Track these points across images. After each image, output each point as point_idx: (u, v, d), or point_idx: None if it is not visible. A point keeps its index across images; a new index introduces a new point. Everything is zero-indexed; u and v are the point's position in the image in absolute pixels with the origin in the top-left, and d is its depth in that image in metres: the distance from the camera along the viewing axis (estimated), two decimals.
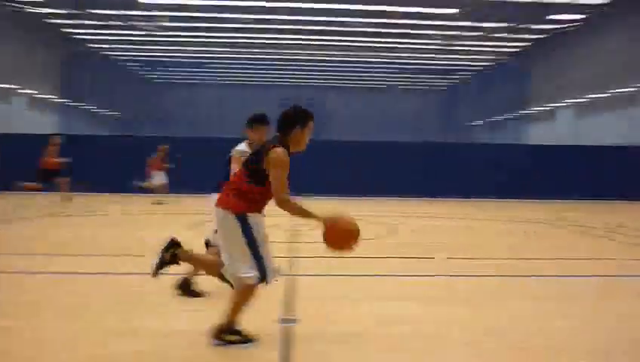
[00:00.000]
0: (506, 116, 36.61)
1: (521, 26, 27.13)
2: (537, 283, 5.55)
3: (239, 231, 3.36)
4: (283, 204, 3.37)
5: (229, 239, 3.42)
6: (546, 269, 6.26)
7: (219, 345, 3.32)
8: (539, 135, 31.88)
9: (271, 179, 3.35)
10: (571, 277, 5.79)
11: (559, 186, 17.36)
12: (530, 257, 7.14)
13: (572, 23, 26.45)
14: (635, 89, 24.09)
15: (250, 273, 3.32)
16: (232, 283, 3.51)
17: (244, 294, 3.37)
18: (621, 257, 7.26)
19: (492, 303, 4.59)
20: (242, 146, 4.54)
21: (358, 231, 3.46)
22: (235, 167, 4.29)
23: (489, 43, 31.20)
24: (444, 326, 3.87)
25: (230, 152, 4.62)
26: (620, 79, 24.28)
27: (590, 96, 26.85)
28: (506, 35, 29.00)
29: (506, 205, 15.66)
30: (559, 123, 33.24)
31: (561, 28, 27.34)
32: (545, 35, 29.13)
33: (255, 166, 3.41)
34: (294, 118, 3.55)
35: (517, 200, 16.82)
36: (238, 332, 3.43)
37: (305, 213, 3.42)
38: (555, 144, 22.36)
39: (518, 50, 32.59)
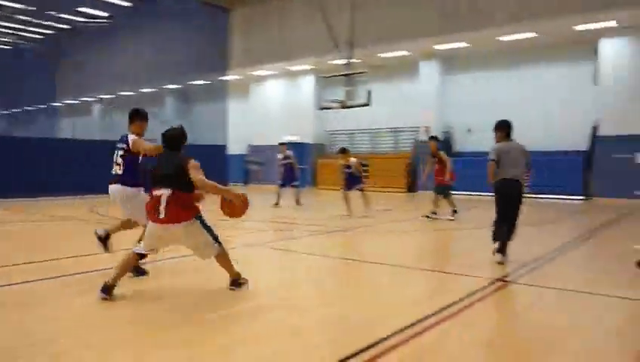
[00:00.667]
0: (34, 107, 33.85)
1: (48, 12, 25.52)
2: None
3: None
4: (204, 185, 4.47)
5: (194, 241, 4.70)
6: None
7: None
8: (71, 128, 30.99)
9: (196, 176, 4.45)
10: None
11: (90, 181, 17.16)
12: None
13: (100, 19, 26.72)
14: (157, 90, 26.58)
15: None
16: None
17: None
18: None
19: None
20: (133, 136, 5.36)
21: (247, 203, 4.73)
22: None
23: (8, 24, 27.98)
24: None
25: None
26: (146, 79, 26.19)
27: (120, 93, 27.92)
28: (30, 19, 26.69)
29: (35, 204, 14.40)
30: (92, 116, 33.29)
31: (89, 22, 27.21)
32: (72, 27, 28.36)
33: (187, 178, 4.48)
34: (183, 137, 4.85)
35: (44, 198, 15.74)
36: None
37: (217, 188, 4.57)
38: (87, 139, 22.17)
39: (43, 37, 30.53)
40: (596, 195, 17.31)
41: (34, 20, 27.06)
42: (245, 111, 27.30)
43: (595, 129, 17.58)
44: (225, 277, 4.89)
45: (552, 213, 13.06)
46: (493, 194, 6.65)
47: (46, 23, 28.04)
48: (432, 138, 11.81)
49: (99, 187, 18.10)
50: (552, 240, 8.37)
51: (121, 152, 5.37)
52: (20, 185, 15.46)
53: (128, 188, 5.36)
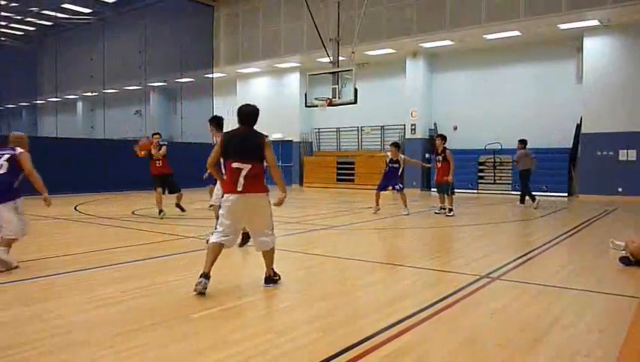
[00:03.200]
0: (17, 105, 33.29)
1: (31, 8, 25.08)
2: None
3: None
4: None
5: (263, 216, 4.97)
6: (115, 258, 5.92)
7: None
8: (56, 126, 30.53)
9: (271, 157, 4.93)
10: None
11: (72, 180, 16.97)
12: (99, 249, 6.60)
13: (82, 15, 26.33)
14: (142, 87, 26.25)
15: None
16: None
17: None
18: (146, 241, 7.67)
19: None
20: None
21: None
22: None
23: None
24: None
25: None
26: (131, 76, 25.88)
27: (105, 91, 27.53)
28: (11, 15, 26.22)
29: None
30: (77, 115, 32.86)
31: (72, 18, 26.78)
32: (54, 23, 27.88)
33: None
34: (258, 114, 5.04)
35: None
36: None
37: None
38: (70, 137, 21.95)
39: (24, 33, 29.98)
40: (580, 192, 17.51)
41: (15, 17, 26.56)
42: (231, 108, 27.12)
43: (578, 127, 17.76)
44: (213, 279, 4.81)
45: (537, 210, 13.16)
46: None
47: (28, 19, 27.55)
48: (439, 136, 12.59)
49: (81, 186, 17.90)
50: (537, 237, 8.44)
51: None
52: None
53: None
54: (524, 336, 3.65)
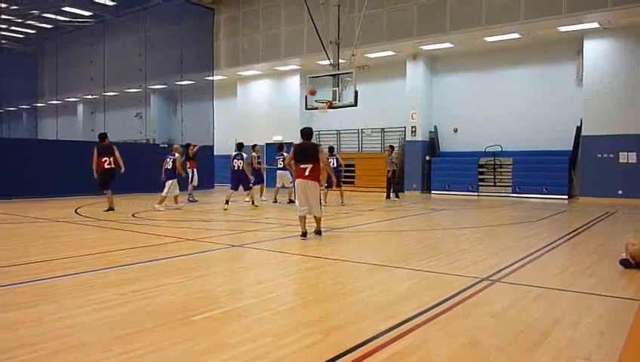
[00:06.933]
0: (17, 108, 33.27)
1: (33, 11, 25.09)
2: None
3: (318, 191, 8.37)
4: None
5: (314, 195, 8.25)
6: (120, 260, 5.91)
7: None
8: (57, 129, 30.55)
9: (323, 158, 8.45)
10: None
11: (75, 182, 16.98)
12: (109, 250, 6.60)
13: (83, 18, 26.33)
14: (140, 90, 26.22)
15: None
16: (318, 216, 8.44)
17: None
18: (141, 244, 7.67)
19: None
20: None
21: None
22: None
23: None
24: None
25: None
26: (131, 78, 25.86)
27: (106, 93, 27.55)
28: (12, 18, 26.23)
29: (15, 205, 14.19)
30: (77, 117, 32.82)
31: (72, 21, 26.79)
32: (54, 26, 27.90)
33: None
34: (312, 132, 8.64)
35: (25, 199, 15.53)
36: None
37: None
38: (73, 139, 21.94)
39: (24, 36, 29.98)
40: (581, 195, 17.50)
41: (15, 19, 26.57)
42: (232, 111, 27.16)
43: (579, 129, 17.76)
44: (214, 282, 4.84)
45: (537, 212, 13.16)
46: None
47: (28, 22, 27.56)
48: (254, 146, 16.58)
49: (81, 188, 17.94)
50: (537, 239, 8.43)
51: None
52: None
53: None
54: (525, 339, 3.64)
